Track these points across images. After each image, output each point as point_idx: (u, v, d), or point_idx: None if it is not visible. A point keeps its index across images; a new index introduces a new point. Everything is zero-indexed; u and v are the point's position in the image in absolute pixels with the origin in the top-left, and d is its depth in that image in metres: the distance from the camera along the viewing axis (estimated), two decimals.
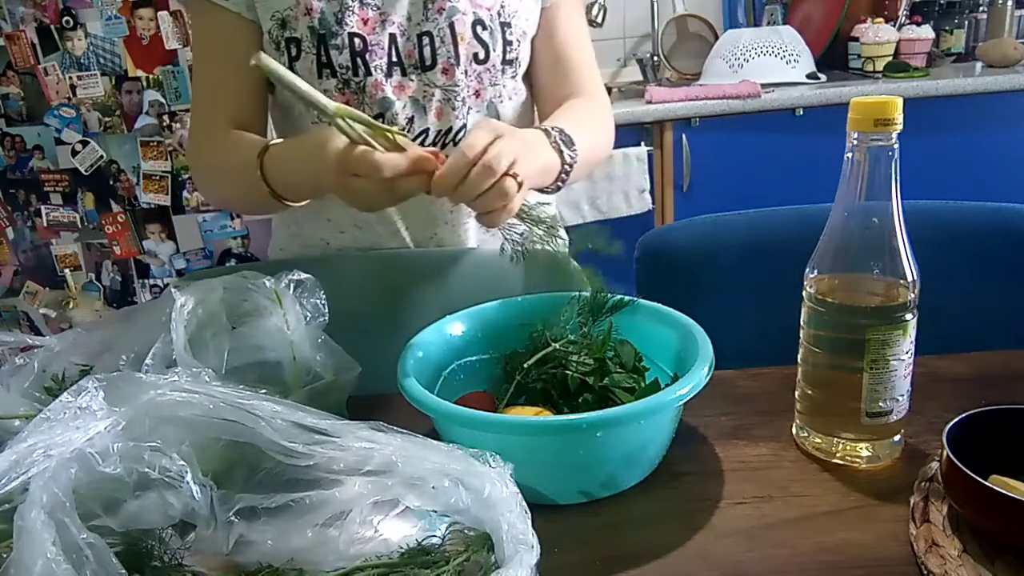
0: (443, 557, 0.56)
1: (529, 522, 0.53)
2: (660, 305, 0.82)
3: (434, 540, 0.58)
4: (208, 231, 2.41)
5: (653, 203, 2.30)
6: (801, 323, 0.73)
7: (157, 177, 2.36)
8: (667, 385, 0.71)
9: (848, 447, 0.71)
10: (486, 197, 0.76)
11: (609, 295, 0.82)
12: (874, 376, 0.68)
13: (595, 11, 2.49)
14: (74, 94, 2.29)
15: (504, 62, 1.01)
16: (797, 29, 2.45)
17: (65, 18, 2.22)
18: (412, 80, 0.98)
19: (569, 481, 0.68)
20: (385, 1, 0.96)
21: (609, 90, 2.46)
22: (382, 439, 0.59)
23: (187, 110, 2.26)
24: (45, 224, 2.42)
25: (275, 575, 0.56)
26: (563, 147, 0.90)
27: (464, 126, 1.01)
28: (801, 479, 0.70)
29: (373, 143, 0.77)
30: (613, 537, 0.65)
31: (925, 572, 0.57)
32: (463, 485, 0.56)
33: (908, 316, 0.68)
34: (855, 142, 0.66)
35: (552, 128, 0.90)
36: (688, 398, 0.66)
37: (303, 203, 0.95)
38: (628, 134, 2.23)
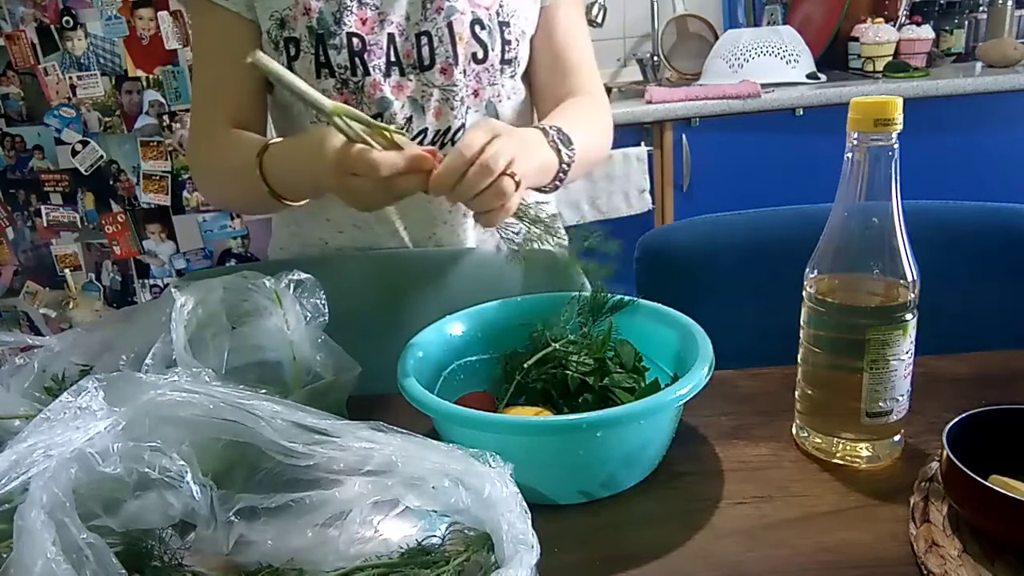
0: (443, 557, 0.56)
1: (529, 522, 0.53)
2: (660, 305, 0.82)
3: (434, 540, 0.58)
4: (208, 231, 2.41)
5: (653, 203, 2.30)
6: (801, 323, 0.73)
7: (157, 177, 2.36)
8: (667, 385, 0.71)
9: (848, 447, 0.71)
10: (483, 196, 0.76)
11: (609, 295, 0.82)
12: (874, 376, 0.68)
13: (595, 11, 2.49)
14: (74, 94, 2.29)
15: (503, 62, 1.01)
16: (797, 29, 2.45)
17: (65, 18, 2.22)
18: (410, 80, 0.98)
19: (569, 481, 0.68)
20: (384, 1, 0.96)
21: (609, 90, 2.46)
22: (382, 439, 0.59)
23: (187, 110, 2.26)
24: (45, 224, 2.42)
25: (275, 575, 0.56)
26: (561, 146, 0.90)
27: (463, 126, 1.01)
28: (801, 479, 0.70)
29: (371, 142, 0.77)
30: (613, 537, 0.65)
31: (925, 572, 0.57)
32: (463, 485, 0.56)
33: (908, 316, 0.68)
34: (855, 142, 0.66)
35: (550, 127, 0.90)
36: (688, 398, 0.66)
37: (303, 203, 0.95)
38: (628, 134, 2.23)
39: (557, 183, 0.93)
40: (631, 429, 0.67)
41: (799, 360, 0.74)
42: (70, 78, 2.28)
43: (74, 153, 2.34)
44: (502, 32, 0.99)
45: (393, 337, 0.80)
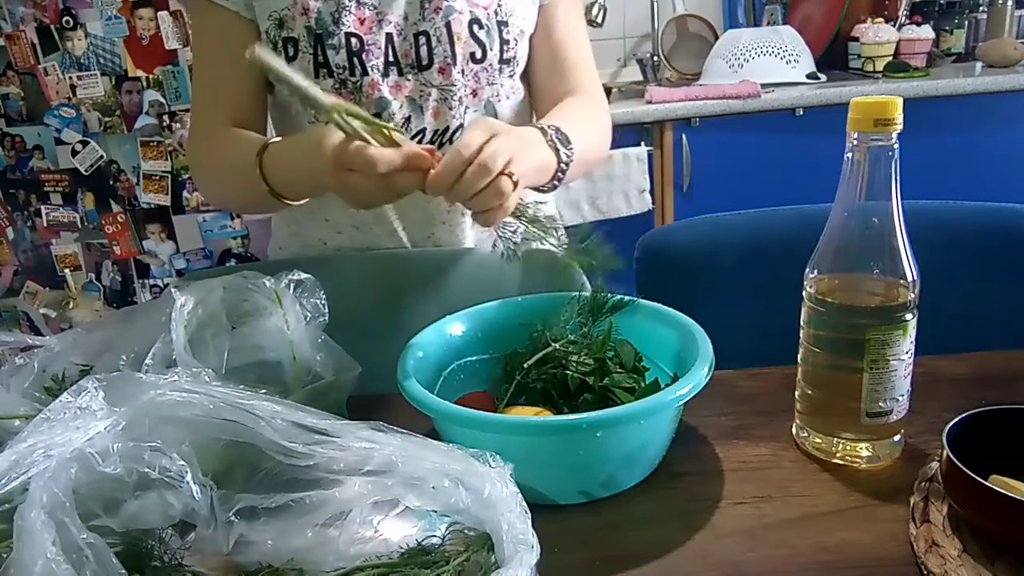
0: (443, 557, 0.56)
1: (529, 522, 0.53)
2: (660, 305, 0.82)
3: (434, 540, 0.58)
4: (208, 231, 2.41)
5: (653, 203, 2.30)
6: (801, 323, 0.73)
7: (157, 177, 2.36)
8: (667, 385, 0.71)
9: (848, 447, 0.71)
10: (481, 196, 0.76)
11: (609, 295, 0.82)
12: (874, 376, 0.68)
13: (595, 11, 2.49)
14: (74, 94, 2.29)
15: (501, 61, 1.01)
16: (797, 29, 2.45)
17: (65, 18, 2.22)
18: (409, 80, 0.99)
19: (569, 481, 0.68)
20: (382, 1, 0.96)
21: (609, 90, 2.46)
22: (382, 439, 0.59)
23: (187, 110, 2.26)
24: (45, 224, 2.42)
25: (275, 575, 0.56)
26: (559, 145, 0.90)
27: (461, 125, 1.01)
28: (801, 479, 0.70)
29: (369, 139, 0.77)
30: (613, 537, 0.65)
31: (925, 572, 0.57)
32: (463, 485, 0.56)
33: (908, 316, 0.68)
34: (855, 142, 0.66)
35: (548, 126, 0.90)
36: (688, 398, 0.66)
37: (302, 202, 0.95)
38: (628, 134, 2.23)
39: (555, 182, 0.93)
40: (631, 429, 0.67)
41: (799, 360, 0.74)
42: (70, 78, 2.28)
43: (74, 153, 2.34)
44: (500, 32, 0.99)
45: (393, 337, 0.80)
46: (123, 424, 0.54)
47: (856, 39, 2.48)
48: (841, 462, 0.71)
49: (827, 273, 0.70)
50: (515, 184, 0.77)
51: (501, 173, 0.76)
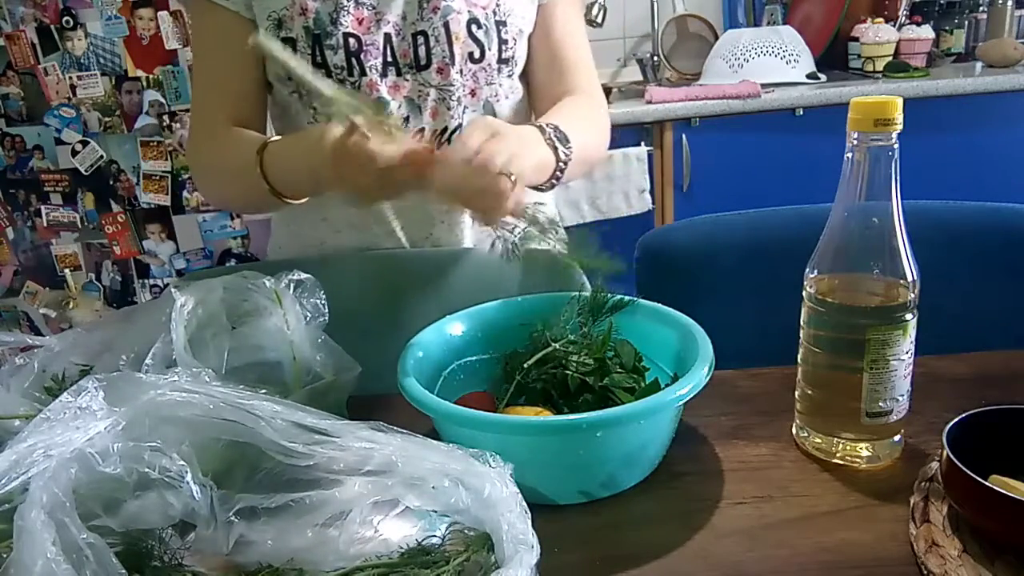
0: (443, 557, 0.56)
1: (529, 522, 0.53)
2: (660, 305, 0.82)
3: (434, 540, 0.58)
4: (208, 231, 2.41)
5: (653, 203, 2.30)
6: (801, 323, 0.73)
7: (157, 177, 2.36)
8: (667, 385, 0.71)
9: (848, 447, 0.71)
10: (481, 195, 0.76)
11: (609, 295, 0.82)
12: (874, 376, 0.68)
13: (595, 11, 2.49)
14: (74, 94, 2.29)
15: (500, 61, 1.01)
16: (797, 29, 2.45)
17: (65, 18, 2.22)
18: (407, 80, 0.99)
19: (569, 481, 0.68)
20: (380, 1, 0.96)
21: (609, 90, 2.46)
22: (382, 439, 0.59)
23: (187, 110, 2.26)
24: (45, 224, 2.42)
25: (275, 575, 0.56)
26: (558, 144, 0.89)
27: (460, 126, 1.01)
28: (801, 479, 0.70)
29: (367, 134, 0.77)
30: (613, 537, 0.65)
31: (925, 572, 0.57)
32: (463, 485, 0.56)
33: (908, 316, 0.68)
34: (855, 142, 0.66)
35: (547, 124, 0.90)
36: (688, 398, 0.66)
37: (302, 201, 0.95)
38: (628, 134, 2.23)
39: (554, 181, 0.93)
40: (631, 429, 0.67)
41: (799, 360, 0.74)
42: (70, 78, 2.28)
43: (74, 153, 2.34)
44: (499, 31, 0.99)
45: (393, 337, 0.80)
46: (123, 424, 0.54)
47: (856, 39, 2.48)
48: (841, 462, 0.71)
49: (827, 273, 0.70)
50: (514, 183, 0.77)
51: (500, 173, 0.75)
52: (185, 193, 2.37)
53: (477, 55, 0.99)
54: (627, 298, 0.82)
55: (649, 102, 2.24)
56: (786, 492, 0.68)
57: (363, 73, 0.97)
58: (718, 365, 0.70)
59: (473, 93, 1.01)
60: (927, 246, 0.72)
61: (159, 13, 2.22)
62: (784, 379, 0.79)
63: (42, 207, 2.40)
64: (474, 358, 0.83)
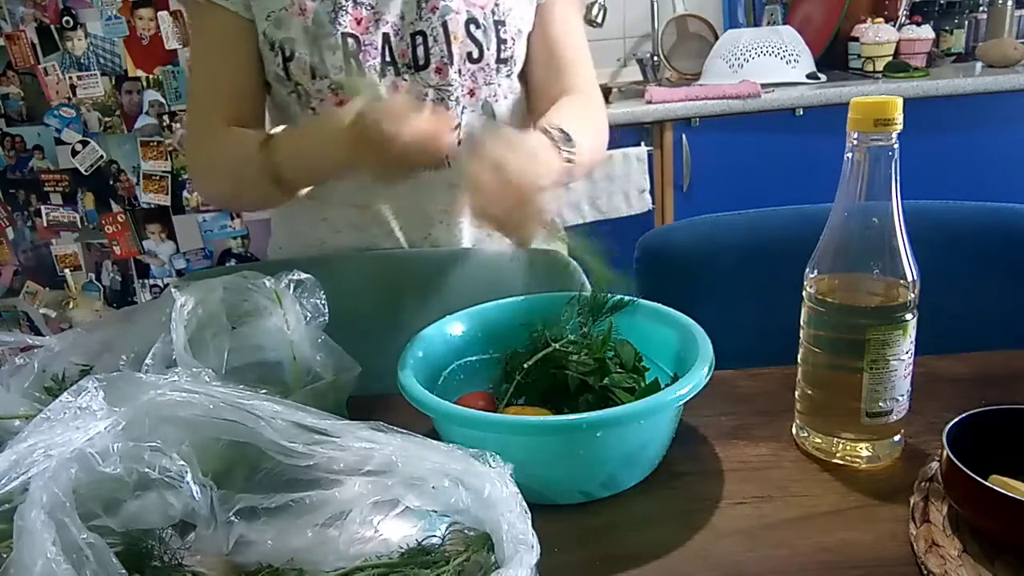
0: (443, 557, 0.56)
1: (529, 522, 0.53)
2: (660, 305, 0.82)
3: (434, 540, 0.58)
4: (208, 231, 2.41)
5: (653, 203, 2.30)
6: (801, 323, 0.73)
7: (157, 177, 2.36)
8: (667, 385, 0.71)
9: (848, 447, 0.71)
10: (520, 221, 0.78)
11: (609, 295, 0.82)
12: (874, 376, 0.68)
13: (595, 11, 2.49)
14: (74, 94, 2.29)
15: (498, 61, 1.01)
16: (797, 29, 2.45)
17: (65, 18, 2.22)
18: (405, 80, 0.98)
19: (569, 481, 0.68)
20: (379, 0, 0.96)
21: (609, 90, 2.46)
22: (382, 439, 0.59)
23: (186, 110, 2.26)
24: (45, 224, 2.42)
25: (275, 575, 0.56)
26: (565, 149, 0.90)
27: (459, 125, 1.01)
28: (801, 479, 0.70)
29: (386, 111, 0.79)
30: (613, 537, 0.65)
31: (925, 572, 0.57)
32: (463, 485, 0.56)
33: (908, 316, 0.68)
34: (855, 142, 0.66)
35: (552, 127, 0.90)
36: (688, 398, 0.66)
37: (304, 191, 0.95)
38: (628, 134, 2.23)
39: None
40: (631, 429, 0.67)
41: (799, 360, 0.74)
42: (70, 78, 2.28)
43: (74, 153, 2.34)
44: (497, 31, 0.99)
45: (393, 337, 0.80)
46: (123, 424, 0.54)
47: (856, 39, 2.48)
48: (841, 462, 0.71)
49: (827, 273, 0.70)
50: (548, 203, 0.78)
51: (539, 198, 0.77)
52: (185, 193, 2.37)
53: (475, 55, 0.99)
54: (627, 298, 0.82)
55: (649, 102, 2.24)
56: (786, 492, 0.68)
57: (361, 73, 0.96)
58: (718, 365, 0.70)
59: (472, 93, 1.01)
60: (927, 246, 0.72)
61: (159, 13, 2.22)
62: (784, 379, 0.79)
63: (42, 207, 2.40)
64: (474, 358, 0.83)
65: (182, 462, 0.55)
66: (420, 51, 0.97)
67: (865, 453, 0.71)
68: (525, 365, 0.78)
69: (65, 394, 0.55)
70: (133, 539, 0.55)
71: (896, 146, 0.65)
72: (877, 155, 0.66)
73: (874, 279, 0.68)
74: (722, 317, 0.82)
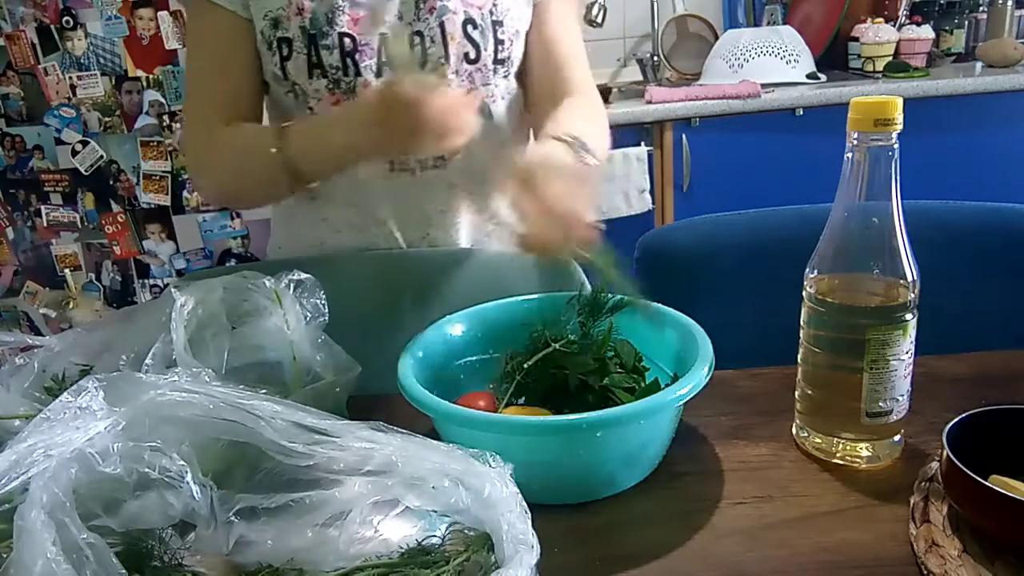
0: (443, 557, 0.56)
1: (529, 522, 0.53)
2: (660, 305, 0.82)
3: (434, 540, 0.58)
4: (208, 231, 2.41)
5: (653, 203, 2.30)
6: (801, 323, 0.73)
7: (157, 177, 2.36)
8: (667, 385, 0.71)
9: (848, 447, 0.71)
10: (564, 245, 0.78)
11: (609, 295, 0.82)
12: (874, 376, 0.68)
13: (595, 11, 2.49)
14: (74, 94, 2.29)
15: (496, 61, 1.01)
16: (797, 29, 2.45)
17: (65, 18, 2.22)
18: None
19: (569, 481, 0.68)
20: (376, 1, 0.96)
21: (609, 90, 2.46)
22: (382, 439, 0.59)
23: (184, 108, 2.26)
24: (45, 224, 2.42)
25: (275, 575, 0.56)
26: (583, 159, 0.90)
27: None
28: (801, 479, 0.70)
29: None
30: (613, 537, 0.65)
31: (925, 572, 0.57)
32: (463, 485, 0.56)
33: (908, 316, 0.68)
34: (855, 142, 0.66)
35: (570, 138, 0.90)
36: (688, 398, 0.66)
37: (313, 185, 0.96)
38: (628, 134, 2.23)
39: None
40: (631, 429, 0.67)
41: (799, 360, 0.74)
42: (70, 78, 2.28)
43: (74, 153, 2.34)
44: (495, 32, 0.99)
45: (393, 337, 0.80)
46: (123, 424, 0.54)
47: (856, 39, 2.48)
48: (841, 462, 0.71)
49: (827, 273, 0.70)
50: (589, 226, 0.79)
51: (579, 219, 0.77)
52: (185, 193, 2.37)
53: (473, 55, 0.99)
54: (627, 298, 0.82)
55: (649, 102, 2.24)
56: (786, 492, 0.68)
57: (358, 73, 0.97)
58: (718, 365, 0.70)
59: (469, 93, 1.01)
60: (927, 246, 0.72)
61: (159, 13, 2.22)
62: (784, 379, 0.79)
63: (42, 207, 2.40)
64: (474, 358, 0.83)
65: (182, 462, 0.55)
66: (417, 51, 0.97)
67: (865, 453, 0.71)
68: (525, 365, 0.78)
69: (65, 394, 0.55)
70: (133, 539, 0.55)
71: (896, 146, 0.65)
72: (877, 155, 0.66)
73: (874, 279, 0.68)
74: (722, 317, 0.82)
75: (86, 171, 2.36)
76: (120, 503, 0.55)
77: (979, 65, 2.46)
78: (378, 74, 0.97)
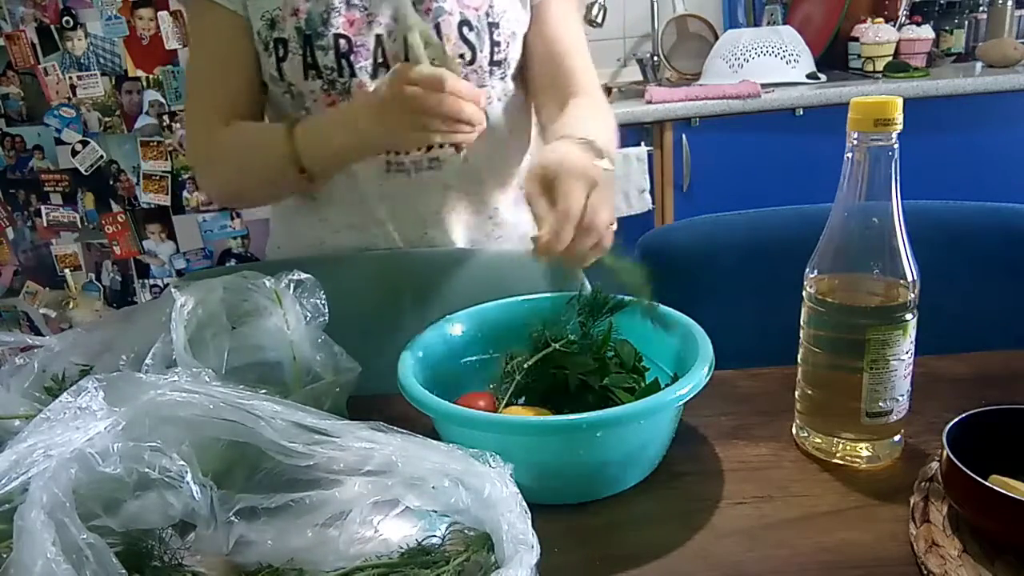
0: (443, 557, 0.56)
1: (529, 522, 0.53)
2: (660, 305, 0.82)
3: (434, 540, 0.58)
4: (208, 231, 2.41)
5: (653, 203, 2.30)
6: (801, 323, 0.73)
7: (157, 177, 2.36)
8: (667, 385, 0.71)
9: (848, 447, 0.71)
10: (587, 252, 0.77)
11: (609, 295, 0.82)
12: (874, 376, 0.68)
13: (595, 11, 2.49)
14: (74, 94, 2.29)
15: (492, 63, 1.00)
16: (797, 29, 2.45)
17: (65, 18, 2.22)
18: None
19: (569, 481, 0.68)
20: (372, 2, 0.96)
21: (609, 90, 2.46)
22: (382, 439, 0.59)
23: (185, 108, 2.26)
24: (45, 224, 2.42)
25: (275, 575, 0.56)
26: (601, 162, 0.90)
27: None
28: (801, 479, 0.70)
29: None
30: (613, 537, 0.65)
31: (925, 572, 0.57)
32: (463, 485, 0.56)
33: (908, 316, 0.68)
34: (855, 142, 0.66)
35: (586, 140, 0.90)
36: (688, 398, 0.66)
37: (319, 182, 0.96)
38: (628, 134, 2.23)
39: None
40: (631, 429, 0.67)
41: (799, 360, 0.74)
42: (70, 78, 2.28)
43: (74, 153, 2.34)
44: (491, 33, 0.99)
45: (393, 337, 0.80)
46: (123, 424, 0.54)
47: (856, 39, 2.48)
48: (841, 462, 0.71)
49: (827, 273, 0.70)
50: (610, 232, 0.79)
51: (602, 227, 0.77)
52: (185, 193, 2.37)
53: (468, 57, 0.99)
54: (627, 298, 0.82)
55: (649, 102, 2.24)
56: (786, 492, 0.68)
57: (353, 74, 0.97)
58: (718, 365, 0.70)
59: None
60: (927, 246, 0.72)
61: (159, 13, 2.22)
62: (784, 379, 0.79)
63: (42, 207, 2.40)
64: (474, 358, 0.83)
65: (182, 462, 0.55)
66: (411, 53, 0.97)
67: (865, 453, 0.71)
68: (525, 365, 0.78)
69: (65, 394, 0.55)
70: (133, 539, 0.55)
71: (896, 146, 0.65)
72: (877, 155, 0.66)
73: (874, 279, 0.68)
74: (722, 317, 0.82)
75: (86, 171, 2.36)
76: (120, 503, 0.55)
77: (979, 65, 2.46)
78: (373, 75, 0.97)
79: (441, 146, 1.01)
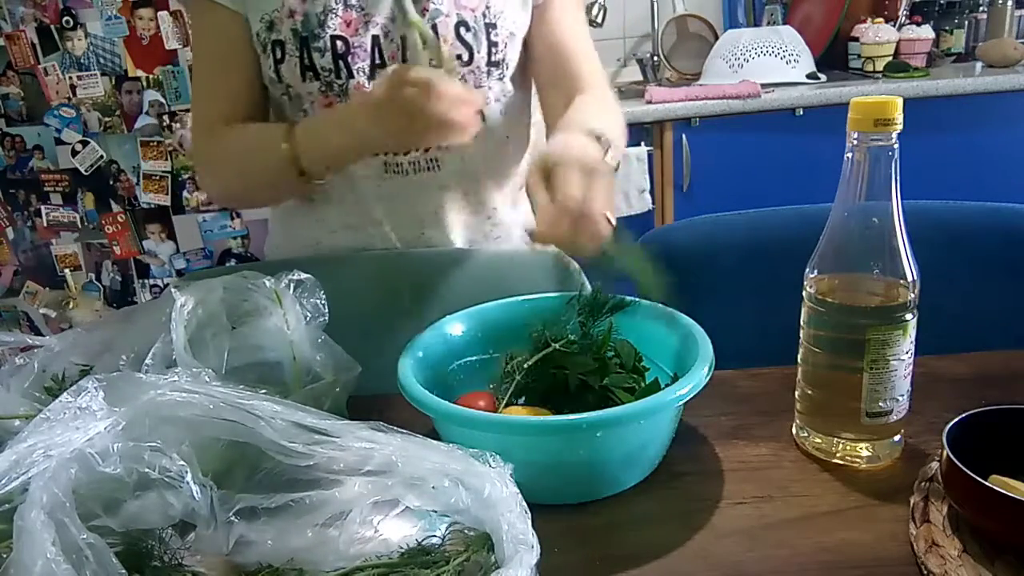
0: (443, 557, 0.56)
1: (529, 522, 0.53)
2: (660, 305, 0.82)
3: (434, 540, 0.58)
4: (208, 231, 2.41)
5: (653, 203, 2.30)
6: (801, 323, 0.73)
7: (157, 177, 2.36)
8: (667, 385, 0.71)
9: (848, 447, 0.71)
10: (584, 241, 0.77)
11: (609, 295, 0.82)
12: (874, 376, 0.68)
13: (595, 11, 2.49)
14: (74, 94, 2.29)
15: (489, 64, 1.00)
16: (797, 29, 2.45)
17: (65, 18, 2.22)
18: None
19: (569, 481, 0.68)
20: (369, 2, 0.96)
21: None
22: (382, 439, 0.59)
23: (187, 110, 2.26)
24: (45, 224, 2.42)
25: (275, 575, 0.56)
26: (608, 157, 0.89)
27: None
28: (801, 479, 0.70)
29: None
30: (613, 537, 0.65)
31: (925, 572, 0.57)
32: (463, 485, 0.56)
33: (908, 316, 0.68)
34: (855, 142, 0.66)
35: (596, 134, 0.90)
36: (688, 398, 0.66)
37: (321, 181, 0.97)
38: (628, 134, 2.23)
39: None
40: (631, 429, 0.67)
41: (799, 360, 0.74)
42: (70, 78, 2.28)
43: (74, 153, 2.34)
44: (488, 34, 0.99)
45: (393, 337, 0.80)
46: (123, 424, 0.54)
47: (856, 39, 2.48)
48: (841, 462, 0.71)
49: (827, 273, 0.70)
50: (608, 221, 0.78)
51: (599, 216, 0.77)
52: (185, 193, 2.37)
53: (465, 58, 0.98)
54: (627, 298, 0.82)
55: (649, 102, 2.24)
56: (786, 492, 0.68)
57: (350, 75, 0.97)
58: (718, 365, 0.70)
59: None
60: (927, 246, 0.72)
61: (159, 13, 2.22)
62: (784, 379, 0.79)
63: (42, 207, 2.40)
64: (474, 358, 0.83)
65: (182, 462, 0.55)
66: (409, 54, 0.97)
67: (865, 453, 0.71)
68: (525, 365, 0.78)
69: (65, 394, 0.55)
70: (133, 539, 0.55)
71: (896, 146, 0.65)
72: (877, 155, 0.66)
73: (874, 279, 0.68)
74: (722, 317, 0.82)
75: (86, 171, 2.36)
76: (120, 503, 0.55)
77: (979, 65, 2.46)
78: (371, 76, 0.97)
79: (439, 147, 1.01)
